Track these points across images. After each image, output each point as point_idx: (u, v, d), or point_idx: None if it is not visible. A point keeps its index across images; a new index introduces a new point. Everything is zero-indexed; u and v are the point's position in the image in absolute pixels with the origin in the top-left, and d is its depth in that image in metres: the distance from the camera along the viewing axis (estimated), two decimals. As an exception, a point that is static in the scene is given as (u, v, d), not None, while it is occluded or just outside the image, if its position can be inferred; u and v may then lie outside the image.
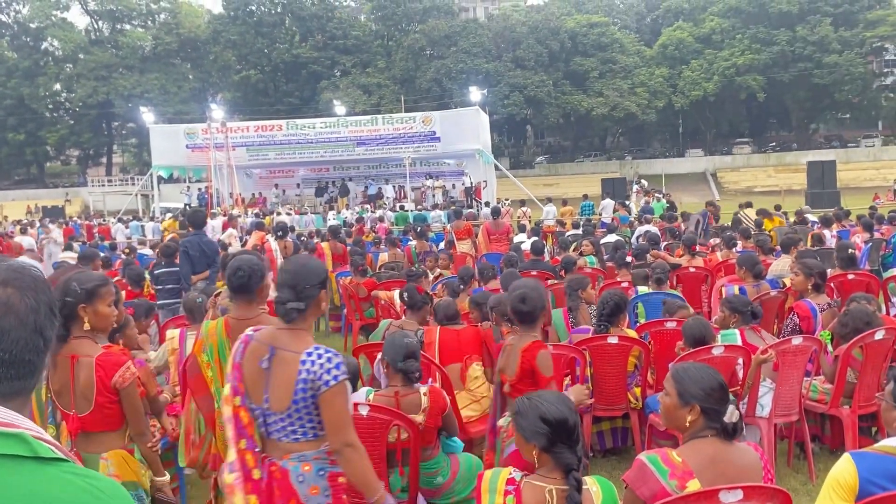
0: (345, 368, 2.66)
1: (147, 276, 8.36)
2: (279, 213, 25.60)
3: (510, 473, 2.56)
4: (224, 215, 21.37)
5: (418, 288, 5.56)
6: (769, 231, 12.30)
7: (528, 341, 3.64)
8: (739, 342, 4.80)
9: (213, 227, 19.78)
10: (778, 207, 18.51)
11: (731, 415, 2.55)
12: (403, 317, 5.71)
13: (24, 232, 22.02)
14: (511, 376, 3.68)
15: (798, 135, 58.17)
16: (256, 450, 2.72)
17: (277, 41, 56.22)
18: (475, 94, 34.04)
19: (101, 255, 12.37)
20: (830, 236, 11.46)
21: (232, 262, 3.47)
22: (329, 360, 2.62)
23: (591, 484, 2.53)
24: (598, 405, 5.14)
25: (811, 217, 15.89)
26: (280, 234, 10.82)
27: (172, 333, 5.22)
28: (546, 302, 3.61)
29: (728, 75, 51.33)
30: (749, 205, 17.62)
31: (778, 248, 9.34)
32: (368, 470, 2.69)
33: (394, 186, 31.03)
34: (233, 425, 2.73)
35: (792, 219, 15.43)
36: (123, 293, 7.95)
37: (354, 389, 4.04)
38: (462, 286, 6.98)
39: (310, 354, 2.63)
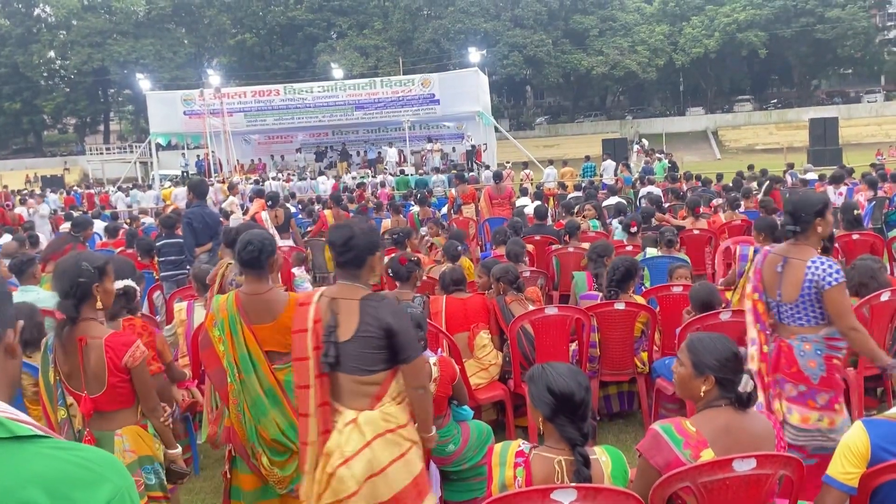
0: (842, 273, 3.44)
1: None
2: (267, 179, 25.38)
3: (519, 446, 2.58)
4: (222, 182, 21.29)
5: (401, 259, 5.52)
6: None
7: None
8: None
9: (214, 191, 19.74)
10: (791, 165, 18.42)
11: (745, 384, 2.55)
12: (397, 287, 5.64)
13: (23, 202, 21.97)
14: None
15: (800, 91, 57.60)
16: (767, 332, 3.72)
17: (272, 3, 55.35)
18: (474, 54, 33.68)
19: (106, 224, 12.38)
20: (837, 194, 11.41)
21: (242, 237, 3.45)
22: (830, 266, 3.44)
23: (601, 454, 2.54)
24: (605, 370, 5.18)
25: (812, 176, 15.83)
26: (270, 203, 10.73)
27: (180, 306, 5.24)
28: None
29: (729, 31, 50.59)
30: (750, 168, 17.54)
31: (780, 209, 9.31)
32: (872, 345, 3.50)
33: (398, 149, 30.78)
34: (752, 314, 3.77)
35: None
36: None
37: None
38: (461, 248, 6.90)
39: (814, 262, 3.47)
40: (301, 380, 2.97)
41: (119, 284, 3.62)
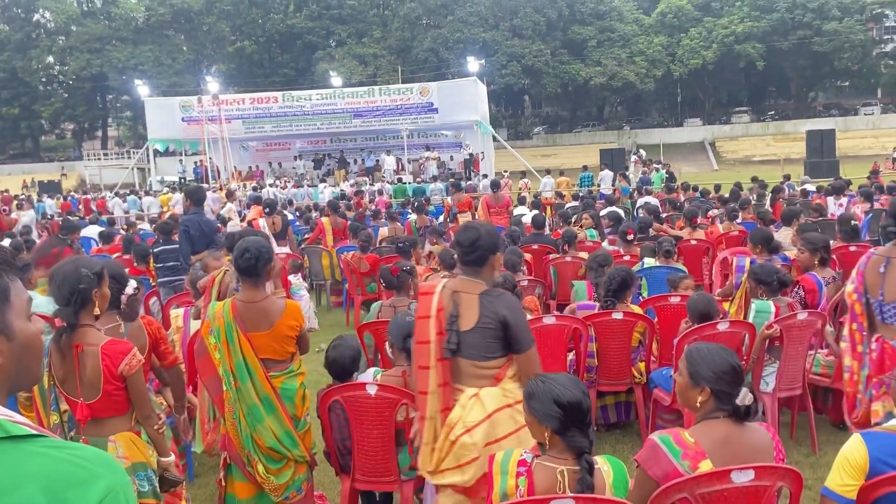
0: None
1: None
2: (265, 187, 25.37)
3: (521, 455, 2.56)
4: (220, 190, 21.30)
5: (392, 269, 5.51)
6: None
7: None
8: (772, 316, 4.81)
9: (212, 199, 19.79)
10: (787, 177, 18.46)
11: (743, 397, 2.53)
12: (393, 295, 5.63)
13: (20, 207, 21.95)
14: None
15: (797, 103, 57.85)
16: (864, 332, 3.81)
17: (272, 11, 55.53)
18: (473, 64, 33.73)
19: (101, 230, 12.35)
20: (837, 205, 11.45)
21: (239, 244, 3.44)
22: None
23: (602, 463, 2.54)
24: (602, 380, 5.16)
25: (811, 187, 15.87)
26: (268, 210, 10.72)
27: (177, 312, 5.23)
28: None
29: (727, 43, 50.86)
30: (754, 179, 17.55)
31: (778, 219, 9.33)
32: None
33: (396, 158, 30.79)
34: (850, 313, 3.87)
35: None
36: (127, 269, 7.93)
37: (357, 369, 4.04)
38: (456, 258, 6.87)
39: None
40: (422, 361, 3.23)
41: (130, 288, 3.61)
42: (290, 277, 8.88)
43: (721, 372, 2.58)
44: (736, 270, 6.19)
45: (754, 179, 18.00)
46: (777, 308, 4.91)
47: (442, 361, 3.20)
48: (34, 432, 1.14)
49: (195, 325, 4.91)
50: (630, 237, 8.13)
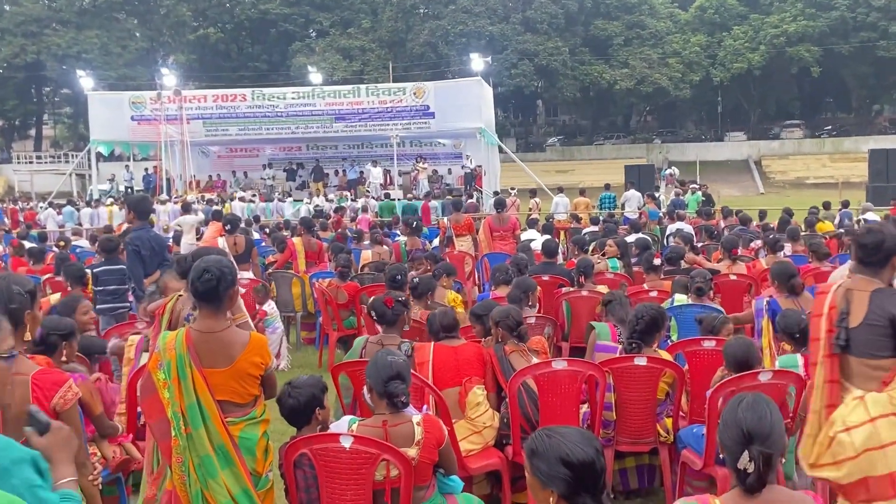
0: None
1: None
2: (233, 199, 25.50)
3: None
4: (178, 203, 21.38)
5: (387, 300, 5.51)
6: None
7: None
8: (801, 370, 4.83)
9: (169, 213, 19.92)
10: (846, 204, 18.57)
11: (741, 461, 2.56)
12: (381, 330, 5.62)
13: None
14: None
15: (858, 117, 58.39)
16: None
17: (242, -6, 56.15)
18: (477, 61, 34.02)
19: (31, 246, 12.36)
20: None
21: (197, 264, 3.46)
22: None
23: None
24: (621, 438, 5.17)
25: (871, 216, 15.96)
26: (229, 228, 10.72)
27: (132, 340, 5.25)
28: None
29: (777, 45, 51.43)
30: (826, 206, 17.63)
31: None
32: None
33: (383, 169, 30.91)
34: None
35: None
36: (58, 294, 7.95)
37: (322, 400, 4.03)
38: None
39: None
40: (813, 358, 3.95)
41: None
42: (265, 307, 8.91)
43: (728, 423, 2.63)
44: (755, 314, 6.23)
45: (826, 206, 18.01)
46: (806, 359, 4.93)
47: (830, 357, 3.81)
48: None
49: (145, 357, 4.93)
50: (657, 262, 8.18)
